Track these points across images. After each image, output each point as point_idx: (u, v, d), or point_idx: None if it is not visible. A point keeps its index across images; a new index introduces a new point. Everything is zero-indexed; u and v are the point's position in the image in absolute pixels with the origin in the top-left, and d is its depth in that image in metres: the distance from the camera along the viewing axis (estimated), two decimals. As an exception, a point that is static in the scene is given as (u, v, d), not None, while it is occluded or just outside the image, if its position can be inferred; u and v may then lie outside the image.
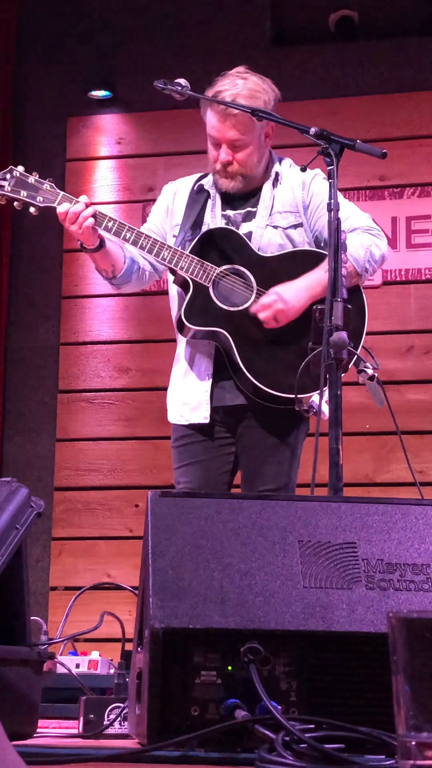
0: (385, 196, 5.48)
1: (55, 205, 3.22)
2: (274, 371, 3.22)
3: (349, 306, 3.11)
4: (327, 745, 1.34)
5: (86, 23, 5.89)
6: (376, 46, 5.61)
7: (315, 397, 3.04)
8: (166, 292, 3.51)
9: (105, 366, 5.60)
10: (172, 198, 3.47)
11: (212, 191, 3.41)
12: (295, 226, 3.36)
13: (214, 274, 3.23)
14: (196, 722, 1.52)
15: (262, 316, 3.19)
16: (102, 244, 3.27)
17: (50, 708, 2.73)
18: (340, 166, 2.74)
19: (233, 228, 3.34)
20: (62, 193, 3.25)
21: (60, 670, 2.91)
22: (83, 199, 3.22)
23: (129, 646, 2.49)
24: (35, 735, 1.93)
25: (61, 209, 3.21)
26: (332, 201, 2.71)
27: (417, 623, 1.12)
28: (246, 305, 3.22)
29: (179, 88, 3.17)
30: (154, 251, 3.24)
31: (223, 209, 3.38)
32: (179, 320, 3.28)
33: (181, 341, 3.39)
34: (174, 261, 3.23)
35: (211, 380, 3.31)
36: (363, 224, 3.38)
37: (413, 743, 1.11)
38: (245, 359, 3.22)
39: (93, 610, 2.71)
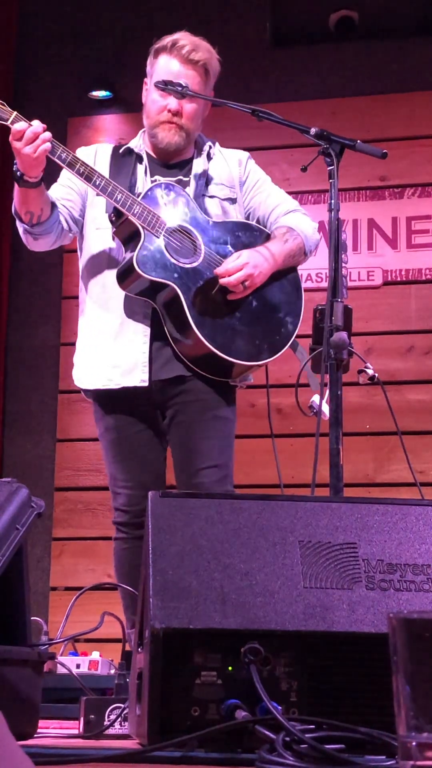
0: (386, 196, 5.49)
1: (8, 123, 2.99)
2: (224, 336, 3.11)
3: (286, 285, 3.19)
4: (327, 746, 1.33)
5: (86, 24, 5.89)
6: (376, 46, 5.61)
7: (315, 396, 3.04)
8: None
9: (105, 366, 5.60)
10: (93, 159, 3.30)
11: (143, 154, 3.30)
12: (231, 200, 3.32)
13: (165, 228, 3.12)
14: (197, 723, 1.51)
15: (231, 279, 3.09)
16: (42, 179, 3.07)
17: (51, 708, 2.73)
18: (340, 167, 2.74)
19: (181, 187, 3.23)
20: (15, 112, 3.02)
21: (60, 670, 2.91)
22: (39, 123, 3.01)
23: (129, 647, 2.50)
24: (36, 735, 1.93)
25: (18, 127, 2.97)
26: (333, 201, 2.70)
27: (417, 624, 1.12)
28: (195, 264, 3.12)
29: (179, 88, 3.17)
30: (108, 191, 3.07)
31: (152, 175, 3.27)
32: (127, 269, 3.09)
33: (106, 300, 3.21)
34: (128, 205, 3.07)
35: (148, 343, 3.13)
36: (299, 208, 3.37)
37: (414, 744, 1.11)
38: (196, 321, 3.08)
39: (93, 610, 2.71)
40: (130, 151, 3.32)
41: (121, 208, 3.08)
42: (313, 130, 2.77)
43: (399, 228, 5.45)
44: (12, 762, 0.84)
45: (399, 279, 5.40)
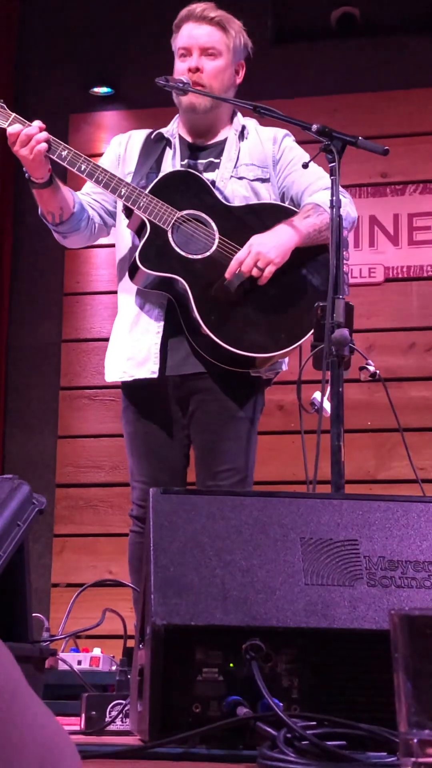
0: (387, 193, 5.49)
1: (5, 126, 3.00)
2: (234, 327, 3.04)
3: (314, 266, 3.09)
4: (329, 742, 1.33)
5: (88, 20, 5.89)
6: (377, 43, 5.61)
7: (317, 393, 3.03)
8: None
9: (106, 363, 5.60)
10: (125, 146, 3.30)
11: (173, 139, 3.26)
12: (262, 180, 3.23)
13: (174, 218, 3.06)
14: (198, 719, 1.51)
15: (242, 267, 3.01)
16: (52, 179, 3.06)
17: (52, 705, 2.72)
18: (341, 163, 2.73)
19: (197, 172, 3.17)
20: (14, 114, 3.03)
21: (62, 666, 2.91)
22: (37, 123, 3.01)
23: (131, 643, 2.50)
24: (37, 732, 1.93)
25: (12, 129, 2.99)
26: (334, 198, 2.70)
27: (418, 620, 1.12)
28: (207, 254, 3.06)
29: (181, 84, 3.15)
30: (111, 186, 3.05)
31: (182, 159, 3.23)
32: (132, 264, 3.07)
33: (128, 292, 3.18)
34: (132, 199, 3.04)
35: (161, 334, 3.10)
36: None
37: (415, 740, 1.11)
38: (203, 312, 3.02)
39: (95, 606, 2.71)
40: (161, 136, 3.28)
41: (125, 203, 3.06)
42: (314, 127, 2.77)
43: (400, 225, 5.45)
44: (41, 732, 0.82)
45: (400, 276, 5.40)
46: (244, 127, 3.29)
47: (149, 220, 3.04)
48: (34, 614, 2.06)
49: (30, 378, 5.70)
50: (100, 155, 5.87)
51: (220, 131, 3.28)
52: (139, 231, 3.11)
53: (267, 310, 3.09)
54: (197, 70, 3.17)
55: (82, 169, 3.05)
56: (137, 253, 3.04)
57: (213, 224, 3.09)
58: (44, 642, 2.22)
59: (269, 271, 3.03)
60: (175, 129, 3.30)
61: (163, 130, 3.31)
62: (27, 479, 2.04)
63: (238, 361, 3.07)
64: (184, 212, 3.08)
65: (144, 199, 3.04)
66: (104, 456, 5.50)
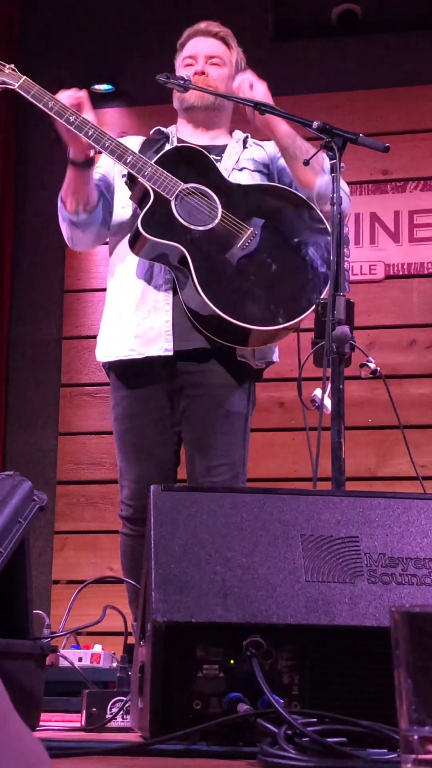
0: (388, 189, 5.48)
1: (16, 87, 3.09)
2: (232, 299, 3.00)
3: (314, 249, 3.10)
4: (329, 739, 1.34)
5: (88, 17, 5.88)
6: (378, 39, 5.61)
7: (317, 390, 3.03)
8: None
9: (107, 360, 5.60)
10: (123, 142, 3.26)
11: (172, 136, 3.29)
12: (262, 174, 3.29)
13: (179, 190, 3.05)
14: (199, 716, 1.52)
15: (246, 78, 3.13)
16: (92, 161, 3.07)
17: (53, 701, 2.74)
18: (342, 160, 2.73)
19: (204, 150, 3.18)
20: (24, 77, 3.09)
21: (62, 663, 2.92)
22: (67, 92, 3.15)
23: (131, 640, 2.50)
24: (38, 728, 1.93)
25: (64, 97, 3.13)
26: (335, 195, 2.70)
27: (419, 617, 1.12)
28: (209, 226, 3.05)
29: (182, 81, 3.16)
30: (117, 153, 3.04)
31: None
32: (134, 232, 3.06)
33: (130, 268, 3.17)
34: (138, 168, 3.04)
35: (171, 312, 3.08)
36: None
37: (415, 737, 1.11)
38: (203, 282, 2.99)
39: (95, 603, 2.71)
40: (161, 132, 3.33)
41: (131, 170, 3.05)
42: (315, 124, 2.76)
43: (401, 222, 5.44)
44: (21, 746, 0.83)
45: (401, 273, 5.39)
46: (246, 137, 3.35)
47: (153, 189, 3.03)
48: (34, 611, 2.06)
49: (31, 375, 5.70)
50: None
51: (219, 136, 3.33)
52: (141, 202, 3.10)
53: (265, 286, 3.06)
54: (203, 74, 3.28)
55: (89, 134, 3.04)
56: (139, 219, 3.02)
57: (216, 199, 3.09)
58: (45, 639, 2.22)
59: (252, 92, 3.09)
60: (173, 131, 3.33)
61: (163, 128, 3.35)
62: (28, 476, 2.04)
63: (235, 333, 3.02)
64: (189, 185, 3.07)
65: (149, 169, 3.04)
66: (105, 453, 5.49)
